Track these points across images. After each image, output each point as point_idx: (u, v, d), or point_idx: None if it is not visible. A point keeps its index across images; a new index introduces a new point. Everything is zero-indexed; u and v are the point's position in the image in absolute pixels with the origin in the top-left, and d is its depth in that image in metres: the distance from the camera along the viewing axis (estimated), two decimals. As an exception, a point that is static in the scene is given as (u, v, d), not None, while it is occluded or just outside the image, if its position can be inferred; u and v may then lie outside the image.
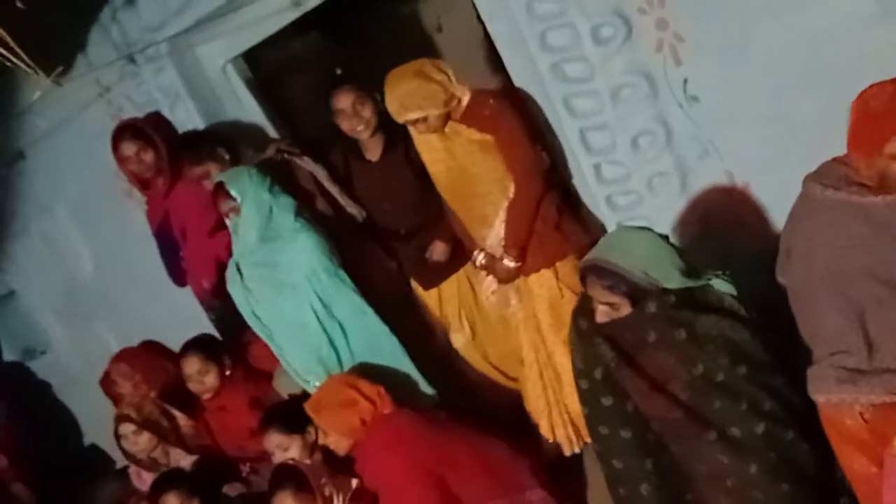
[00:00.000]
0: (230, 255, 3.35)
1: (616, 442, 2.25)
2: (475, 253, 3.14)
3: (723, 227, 2.82)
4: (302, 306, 3.20)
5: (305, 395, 3.19)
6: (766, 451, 2.15)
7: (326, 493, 2.76)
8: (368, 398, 2.86)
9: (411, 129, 3.05)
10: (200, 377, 3.50)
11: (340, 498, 2.78)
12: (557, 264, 3.03)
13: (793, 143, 2.51)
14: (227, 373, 3.53)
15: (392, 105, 2.97)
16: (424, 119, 2.95)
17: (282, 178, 3.33)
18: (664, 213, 2.87)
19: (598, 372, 2.23)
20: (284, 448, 2.99)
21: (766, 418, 2.15)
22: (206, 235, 3.53)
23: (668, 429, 2.21)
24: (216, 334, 3.72)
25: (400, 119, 2.98)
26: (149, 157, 3.53)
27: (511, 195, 2.98)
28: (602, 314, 2.20)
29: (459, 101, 2.97)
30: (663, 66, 2.73)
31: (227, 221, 3.28)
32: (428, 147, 3.07)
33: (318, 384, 3.14)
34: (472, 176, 3.02)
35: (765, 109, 2.60)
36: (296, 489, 2.76)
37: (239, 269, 3.28)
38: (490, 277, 3.17)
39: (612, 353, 2.20)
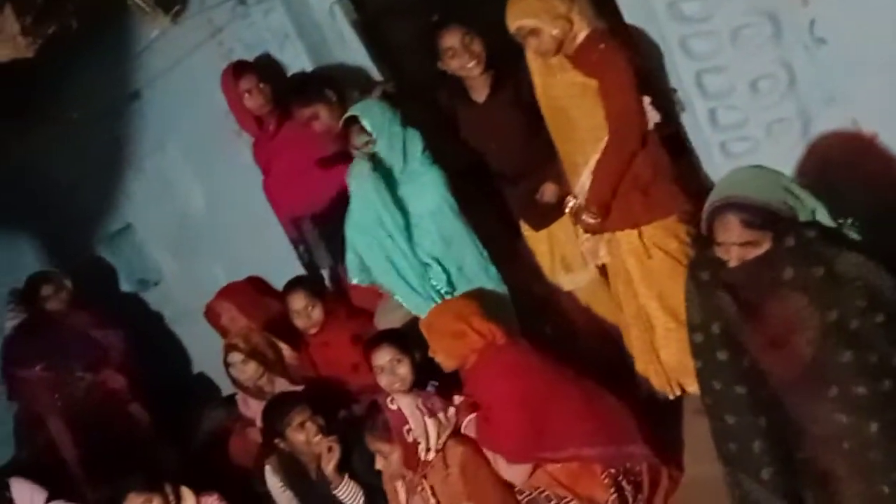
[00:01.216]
0: (341, 191, 3.39)
1: (729, 397, 2.20)
2: (567, 199, 3.09)
3: (846, 178, 2.68)
4: (423, 241, 3.24)
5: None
6: (890, 409, 2.07)
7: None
8: (478, 332, 2.89)
9: (525, 49, 2.94)
10: (307, 312, 3.62)
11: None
12: (642, 227, 2.96)
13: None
14: (330, 308, 3.63)
15: (509, 9, 2.86)
16: (537, 33, 2.83)
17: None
18: (782, 162, 2.71)
19: (717, 326, 2.18)
20: (398, 360, 2.99)
21: (893, 375, 2.06)
22: (313, 173, 3.59)
23: (785, 386, 2.15)
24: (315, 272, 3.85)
25: (513, 24, 2.86)
26: (268, 89, 3.60)
27: (602, 148, 2.89)
28: (737, 257, 2.10)
29: (575, 36, 2.86)
30: (789, 6, 2.60)
31: (357, 154, 3.30)
32: (536, 76, 2.99)
33: None
34: (569, 119, 2.94)
35: (898, 55, 2.45)
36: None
37: (361, 203, 3.30)
38: None
39: (734, 305, 2.13)
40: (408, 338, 3.07)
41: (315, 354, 3.71)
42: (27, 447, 4.48)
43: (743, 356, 2.18)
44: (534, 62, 2.97)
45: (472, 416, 2.89)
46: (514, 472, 2.82)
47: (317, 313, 3.62)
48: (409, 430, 2.83)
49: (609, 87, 2.82)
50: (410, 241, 3.26)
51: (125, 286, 5.09)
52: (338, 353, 3.59)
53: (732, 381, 2.19)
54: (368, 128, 3.22)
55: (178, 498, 3.23)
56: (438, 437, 2.84)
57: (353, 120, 3.26)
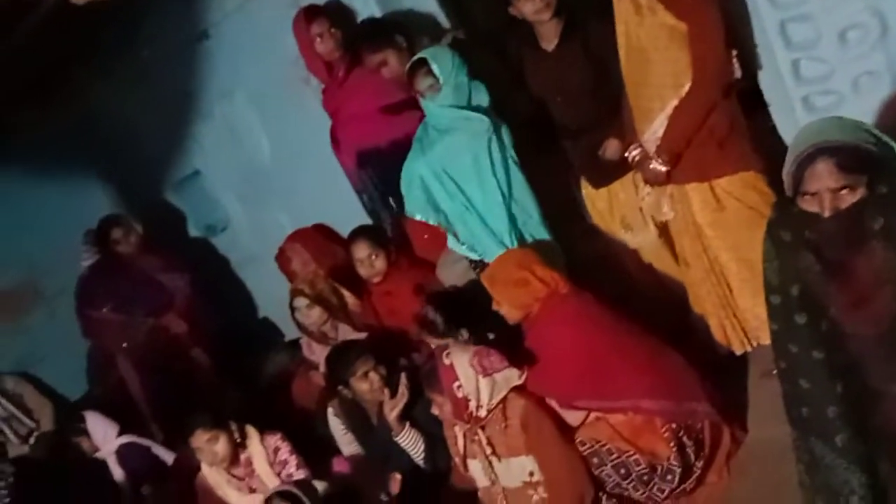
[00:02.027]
0: (406, 139, 3.39)
1: (806, 362, 2.13)
2: (631, 147, 3.02)
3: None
4: (484, 186, 3.22)
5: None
6: None
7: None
8: (542, 280, 2.87)
9: None
10: (370, 261, 3.65)
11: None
12: (713, 181, 2.89)
13: None
14: (393, 259, 3.66)
15: None
16: None
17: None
18: (868, 117, 2.63)
19: (796, 288, 2.10)
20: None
21: None
22: (379, 120, 3.58)
23: (866, 347, 2.07)
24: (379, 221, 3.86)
25: None
26: (339, 34, 3.59)
27: (683, 94, 2.81)
28: (831, 206, 2.00)
29: None
30: (884, -50, 2.47)
31: (421, 100, 3.29)
32: (621, 17, 2.90)
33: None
34: (650, 61, 2.85)
35: None
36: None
37: (423, 149, 3.32)
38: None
39: (818, 265, 2.05)
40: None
41: (377, 303, 3.74)
42: (100, 384, 4.65)
43: (821, 319, 2.10)
44: (621, 3, 2.89)
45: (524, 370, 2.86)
46: (568, 417, 2.82)
47: (379, 263, 3.64)
48: (459, 387, 2.82)
49: (699, 31, 2.73)
50: (478, 190, 3.24)
51: (193, 231, 5.19)
52: (400, 302, 3.61)
53: (810, 346, 2.11)
54: (436, 72, 3.19)
55: (243, 436, 3.31)
56: (492, 396, 2.81)
57: (421, 63, 3.24)
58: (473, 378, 2.80)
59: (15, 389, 4.72)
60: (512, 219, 3.25)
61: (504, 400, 2.82)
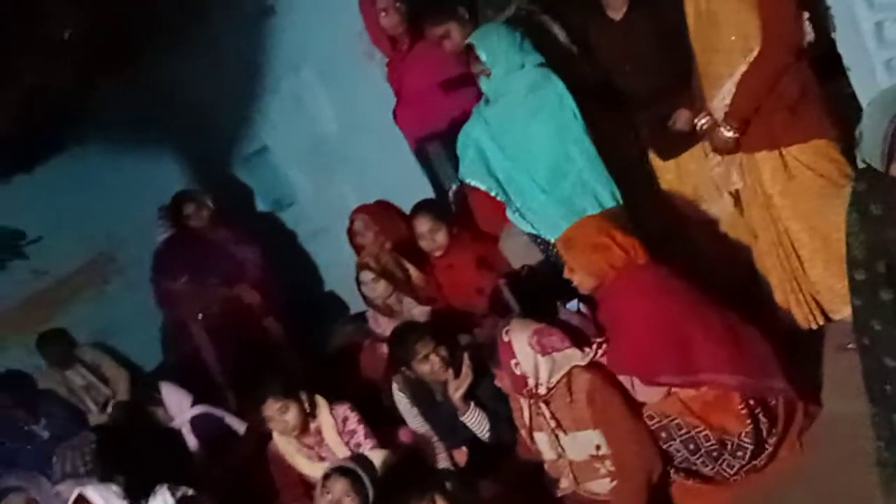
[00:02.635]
0: (467, 113, 3.37)
1: (891, 339, 2.07)
2: (700, 115, 2.94)
3: None
4: (548, 152, 3.18)
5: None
6: None
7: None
8: (622, 246, 2.82)
9: None
10: (432, 235, 3.67)
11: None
12: (784, 149, 2.80)
13: None
14: (455, 233, 3.67)
15: None
16: None
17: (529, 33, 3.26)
18: (957, 82, 2.52)
19: (882, 264, 2.03)
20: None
21: None
22: (440, 93, 3.58)
23: None
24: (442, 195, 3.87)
25: None
26: (403, 8, 3.60)
27: (752, 59, 2.73)
28: None
29: None
30: None
31: (479, 81, 3.27)
32: None
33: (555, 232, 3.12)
34: (719, 25, 2.78)
35: None
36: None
37: (481, 114, 3.29)
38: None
39: None
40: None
41: (441, 276, 3.76)
42: (174, 353, 4.80)
43: None
44: None
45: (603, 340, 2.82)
46: (649, 394, 2.77)
47: (441, 237, 3.66)
48: (517, 364, 2.80)
49: None
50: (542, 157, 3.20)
51: (262, 205, 5.29)
52: (463, 275, 3.63)
53: (894, 322, 2.05)
54: (483, 57, 3.17)
55: (313, 405, 3.36)
56: (551, 375, 2.78)
57: (472, 47, 3.21)
58: (532, 356, 2.78)
59: (93, 360, 4.89)
60: (582, 185, 3.17)
61: (568, 374, 2.80)
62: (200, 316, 4.54)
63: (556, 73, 3.20)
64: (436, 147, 3.80)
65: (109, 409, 4.73)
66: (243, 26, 4.58)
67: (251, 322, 4.61)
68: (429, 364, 3.21)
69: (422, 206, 3.75)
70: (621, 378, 2.80)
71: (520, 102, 3.19)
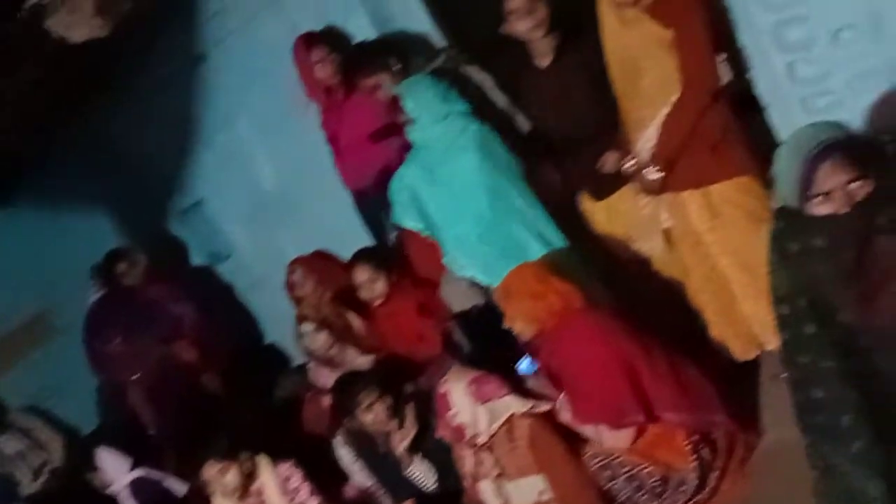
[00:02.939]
0: (400, 161, 3.39)
1: (818, 371, 2.11)
2: (626, 158, 3.02)
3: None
4: (480, 203, 3.19)
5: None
6: None
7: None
8: (558, 293, 2.83)
9: (601, 3, 2.89)
10: (371, 284, 3.66)
11: None
12: (709, 187, 2.89)
13: None
14: (394, 280, 3.66)
15: None
16: None
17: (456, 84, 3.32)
18: (866, 117, 2.62)
19: (804, 298, 2.08)
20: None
21: None
22: (376, 143, 3.60)
23: (882, 341, 2.05)
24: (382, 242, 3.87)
25: None
26: (338, 60, 3.63)
27: (672, 101, 2.82)
28: (848, 201, 1.98)
29: None
30: (874, -52, 2.47)
31: (406, 130, 3.32)
32: (608, 30, 2.92)
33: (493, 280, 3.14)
34: (640, 70, 2.86)
35: None
36: None
37: (413, 161, 3.32)
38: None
39: (829, 273, 2.02)
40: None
41: (382, 325, 3.74)
42: (111, 417, 4.66)
43: (832, 327, 2.08)
44: (607, 14, 2.90)
45: (562, 396, 2.81)
46: (619, 438, 2.75)
47: (380, 286, 3.65)
48: (454, 415, 2.81)
49: (685, 38, 2.74)
50: (465, 225, 3.23)
51: (198, 259, 5.20)
52: (404, 322, 3.62)
53: (820, 355, 2.09)
54: (407, 109, 3.22)
55: (254, 465, 3.30)
56: (491, 423, 2.78)
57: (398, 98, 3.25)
58: (470, 406, 2.78)
59: (26, 424, 4.71)
60: (520, 230, 3.20)
61: (509, 421, 2.79)
62: (136, 377, 4.42)
63: (483, 120, 3.25)
64: (374, 195, 3.80)
65: (43, 477, 4.57)
66: (177, 79, 4.55)
67: (190, 380, 4.51)
68: (373, 414, 3.17)
69: (360, 256, 3.74)
70: (584, 428, 2.79)
71: (447, 150, 3.23)
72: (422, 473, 3.19)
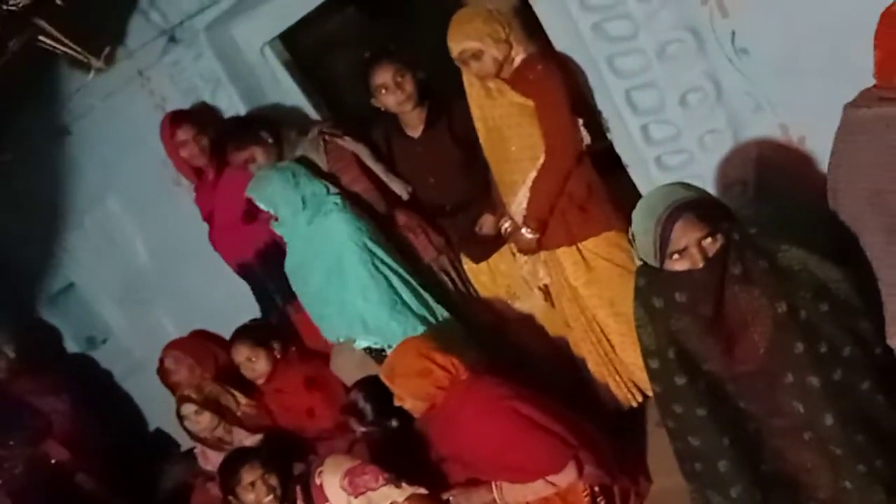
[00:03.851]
0: (267, 237, 3.42)
1: (692, 420, 2.18)
2: (502, 220, 3.12)
3: (779, 181, 2.73)
4: (358, 282, 3.21)
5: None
6: (843, 400, 2.07)
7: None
8: (443, 367, 2.83)
9: (464, 72, 2.97)
10: (251, 364, 3.58)
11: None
12: (580, 244, 3.01)
13: (851, 94, 2.39)
14: (278, 356, 3.58)
15: (453, 34, 2.89)
16: (479, 56, 2.87)
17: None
18: (717, 171, 2.79)
19: (672, 351, 2.16)
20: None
21: (844, 365, 2.07)
22: (248, 222, 3.55)
23: (745, 387, 2.14)
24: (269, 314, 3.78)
25: (457, 48, 2.89)
26: (205, 141, 3.56)
27: (539, 165, 2.94)
28: (702, 256, 2.06)
29: (513, 59, 2.90)
30: (710, 19, 2.63)
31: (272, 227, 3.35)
32: (474, 101, 3.02)
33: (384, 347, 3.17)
34: (505, 139, 2.97)
35: (819, 59, 2.50)
36: None
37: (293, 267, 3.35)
38: None
39: (692, 324, 2.11)
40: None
41: (270, 401, 3.65)
42: (-22, 525, 4.32)
43: (700, 377, 2.16)
44: (472, 86, 3.01)
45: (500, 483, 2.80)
46: (567, 476, 2.75)
47: (260, 365, 3.57)
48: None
49: (545, 106, 2.87)
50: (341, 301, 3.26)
51: (73, 346, 4.96)
52: (292, 398, 3.54)
53: (693, 404, 2.17)
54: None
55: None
56: None
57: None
58: (345, 498, 2.74)
59: None
60: (399, 308, 3.22)
61: None
62: (1, 481, 4.13)
63: (345, 198, 3.28)
64: (256, 268, 3.73)
65: None
66: (40, 160, 4.37)
67: (62, 480, 4.25)
68: (254, 493, 3.07)
69: (238, 334, 3.65)
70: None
71: (313, 239, 3.25)
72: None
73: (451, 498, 2.84)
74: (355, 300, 3.21)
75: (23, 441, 4.23)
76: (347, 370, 3.45)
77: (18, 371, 4.38)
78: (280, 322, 3.75)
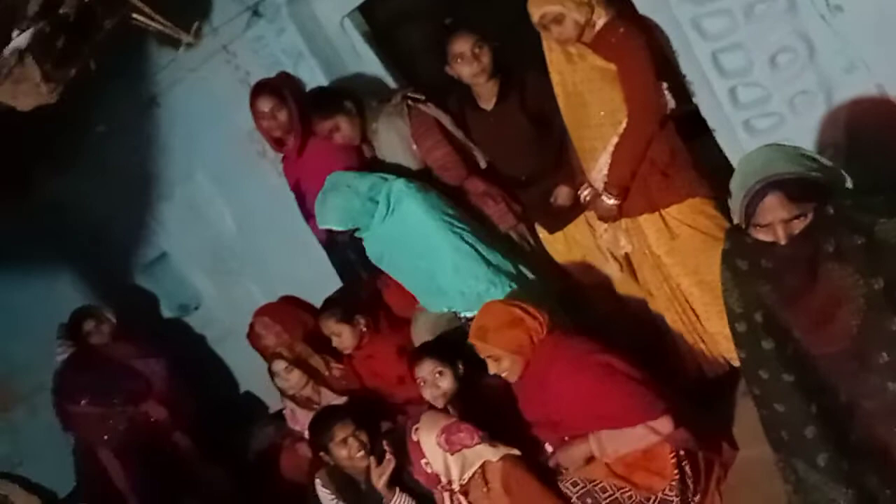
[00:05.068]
0: None
1: (778, 386, 2.16)
2: (582, 188, 3.09)
3: (874, 145, 2.64)
4: (436, 259, 3.23)
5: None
6: None
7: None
8: (534, 316, 2.82)
9: (543, 38, 2.94)
10: (336, 338, 3.64)
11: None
12: (663, 210, 2.96)
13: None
14: (364, 330, 3.62)
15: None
16: (561, 20, 2.83)
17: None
18: (808, 134, 2.71)
19: (759, 315, 2.14)
20: (440, 372, 3.01)
21: None
22: None
23: (834, 365, 2.10)
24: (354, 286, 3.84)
25: (538, 12, 2.86)
26: (282, 115, 3.61)
27: (621, 131, 2.90)
28: (785, 234, 2.04)
29: (594, 22, 2.86)
30: (801, -24, 2.56)
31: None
32: (554, 66, 2.99)
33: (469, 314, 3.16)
34: (587, 104, 2.94)
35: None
36: None
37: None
38: None
39: (776, 293, 2.09)
40: (450, 349, 3.05)
41: (359, 367, 3.70)
42: (84, 477, 4.57)
43: (788, 342, 2.13)
44: (552, 52, 2.98)
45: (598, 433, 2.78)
46: (666, 426, 2.71)
47: (346, 339, 3.60)
48: (426, 463, 2.81)
49: (628, 69, 2.83)
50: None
51: (167, 313, 5.17)
52: (383, 365, 3.58)
53: (779, 369, 2.14)
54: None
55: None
56: (463, 471, 2.78)
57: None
58: (441, 456, 2.78)
59: (1, 489, 4.64)
60: (492, 271, 3.21)
61: (482, 467, 2.79)
62: (106, 437, 4.37)
63: (403, 175, 3.30)
64: (343, 239, 3.78)
65: (21, 541, 4.50)
66: (131, 133, 4.53)
67: (160, 439, 4.46)
68: (346, 448, 3.17)
69: (324, 309, 3.70)
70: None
71: (394, 231, 3.27)
72: (403, 508, 3.17)
73: (551, 458, 2.84)
74: (448, 274, 3.21)
75: (125, 400, 4.44)
76: (420, 335, 3.47)
77: (119, 335, 4.57)
78: (368, 292, 3.79)
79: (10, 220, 4.79)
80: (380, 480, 3.14)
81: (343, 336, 3.62)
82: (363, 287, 3.80)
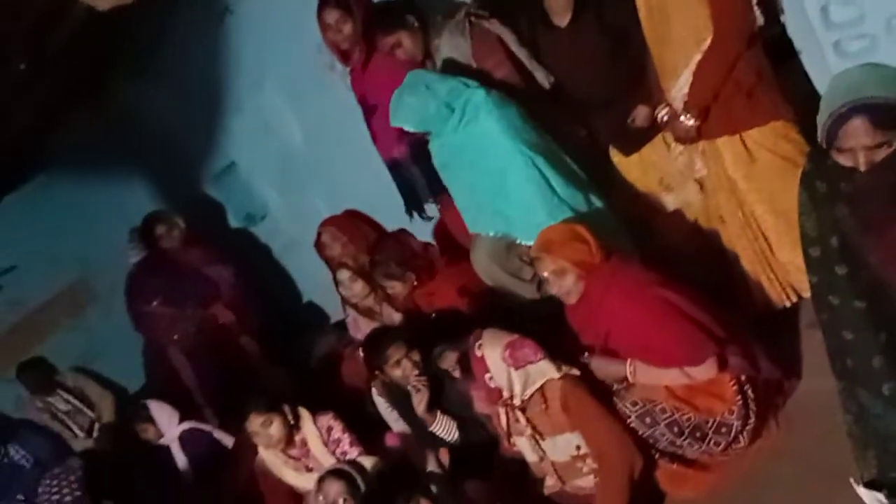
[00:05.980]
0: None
1: (848, 313, 2.12)
2: (659, 107, 2.98)
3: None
4: (503, 181, 3.15)
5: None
6: None
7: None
8: (592, 240, 2.81)
9: None
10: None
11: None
12: (744, 133, 2.85)
13: None
14: (434, 260, 3.66)
15: None
16: None
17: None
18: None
19: (835, 239, 2.08)
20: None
21: None
22: None
23: None
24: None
25: None
26: (347, 28, 3.52)
27: (705, 48, 2.77)
28: (866, 161, 1.98)
29: None
30: None
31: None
32: None
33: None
34: (670, 18, 2.81)
35: None
36: None
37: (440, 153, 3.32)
38: None
39: (853, 218, 2.02)
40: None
41: (420, 301, 3.68)
42: (154, 375, 4.78)
43: (862, 269, 2.07)
44: None
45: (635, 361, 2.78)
46: (706, 371, 2.70)
47: (397, 287, 3.65)
48: (490, 378, 2.83)
49: None
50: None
51: (234, 222, 5.29)
52: (444, 302, 3.54)
53: (851, 296, 2.10)
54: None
55: (297, 417, 3.38)
56: (525, 388, 2.80)
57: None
58: (505, 370, 2.79)
59: (75, 383, 4.90)
60: (557, 201, 3.14)
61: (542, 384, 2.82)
62: (176, 338, 4.53)
63: (484, 84, 3.17)
64: (406, 156, 3.76)
65: (95, 433, 4.73)
66: (204, 42, 4.56)
67: (228, 342, 4.60)
68: (401, 369, 3.23)
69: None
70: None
71: (466, 143, 3.18)
72: (445, 429, 3.24)
73: (584, 358, 2.86)
74: (509, 199, 3.15)
75: (195, 304, 4.59)
76: (480, 261, 3.43)
77: (189, 241, 4.69)
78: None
79: (86, 126, 4.93)
80: (419, 407, 3.21)
81: (396, 287, 3.64)
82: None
